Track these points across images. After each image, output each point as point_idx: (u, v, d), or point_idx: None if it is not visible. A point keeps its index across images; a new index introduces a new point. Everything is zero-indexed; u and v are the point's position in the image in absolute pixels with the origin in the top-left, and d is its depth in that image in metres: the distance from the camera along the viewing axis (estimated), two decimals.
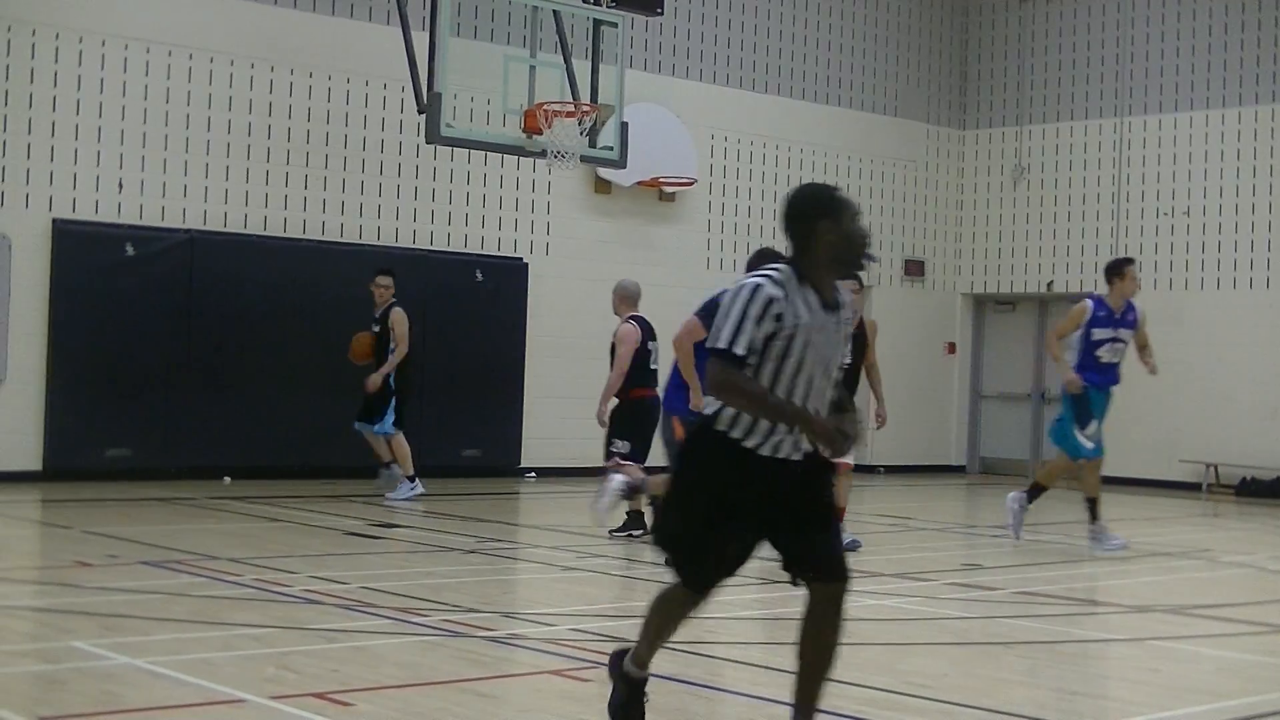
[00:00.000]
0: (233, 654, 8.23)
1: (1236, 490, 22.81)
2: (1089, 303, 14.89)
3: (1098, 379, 14.62)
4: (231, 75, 19.07)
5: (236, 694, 7.23)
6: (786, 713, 7.11)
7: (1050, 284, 25.60)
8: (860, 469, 25.07)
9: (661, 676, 7.99)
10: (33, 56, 17.85)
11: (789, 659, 8.73)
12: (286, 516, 15.26)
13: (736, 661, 8.62)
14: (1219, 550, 15.46)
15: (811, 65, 24.64)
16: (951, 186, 26.53)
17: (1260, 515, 19.90)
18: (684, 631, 9.64)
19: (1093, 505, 14.46)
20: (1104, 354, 14.70)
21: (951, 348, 26.52)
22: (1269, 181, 23.31)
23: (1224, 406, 23.39)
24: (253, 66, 19.19)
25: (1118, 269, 15.12)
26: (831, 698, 7.61)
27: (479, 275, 20.59)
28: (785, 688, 7.77)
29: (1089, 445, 14.48)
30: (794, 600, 11.06)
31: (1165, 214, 24.30)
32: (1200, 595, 12.15)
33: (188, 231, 18.65)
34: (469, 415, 20.42)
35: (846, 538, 14.08)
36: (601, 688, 7.72)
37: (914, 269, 25.88)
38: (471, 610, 9.85)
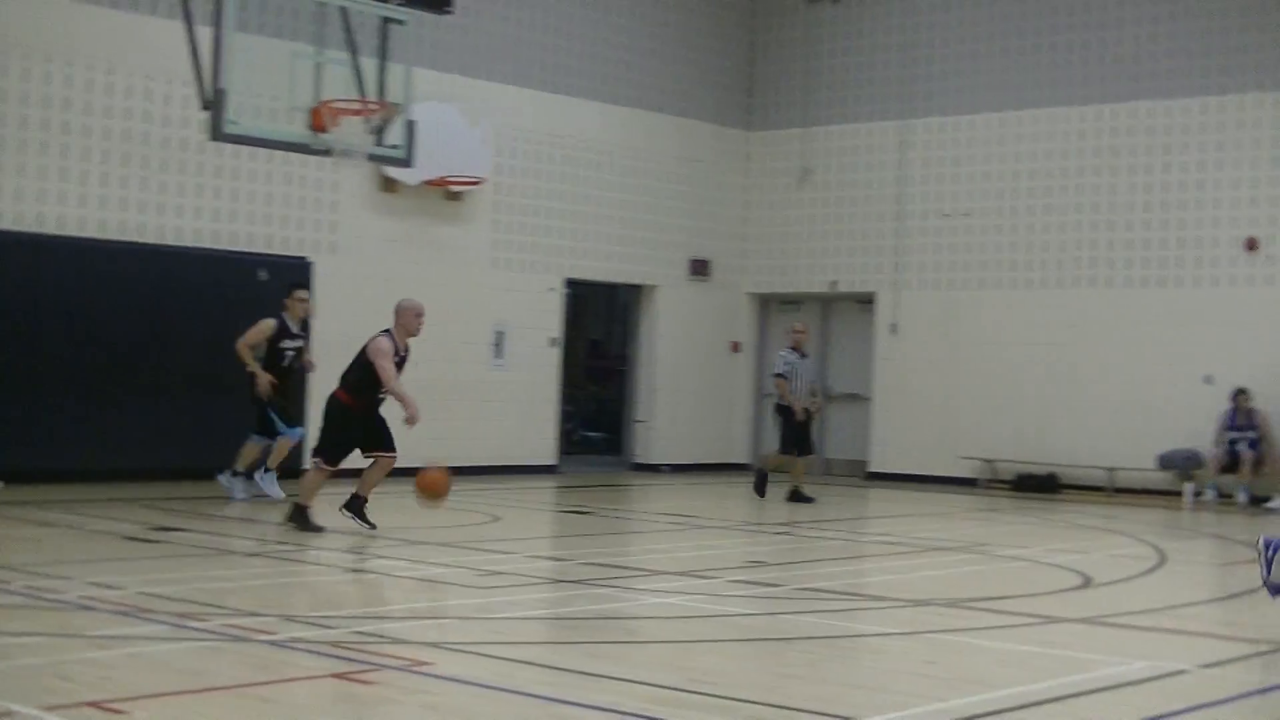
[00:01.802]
0: (2, 664, 8.01)
1: (1013, 485, 23.35)
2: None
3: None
4: (9, 68, 18.56)
5: (6, 705, 7.03)
6: (574, 712, 7.12)
7: (834, 283, 25.98)
8: (644, 468, 25.28)
9: (446, 678, 7.94)
10: None
11: (576, 658, 8.73)
12: (62, 521, 14.90)
13: (522, 662, 8.59)
14: (995, 544, 15.80)
15: (600, 65, 24.69)
16: (737, 187, 26.78)
17: (1035, 510, 20.38)
18: (471, 632, 9.61)
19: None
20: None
21: (736, 347, 26.77)
22: (1045, 183, 23.90)
23: (1002, 404, 23.93)
24: (34, 60, 18.70)
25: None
26: (617, 695, 7.63)
27: (263, 274, 20.30)
28: (573, 687, 7.78)
29: None
30: (580, 600, 11.09)
31: (946, 215, 24.79)
32: (977, 588, 12.40)
33: None
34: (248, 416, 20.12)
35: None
36: (384, 689, 7.65)
37: (699, 268, 26.08)
38: (252, 614, 9.70)
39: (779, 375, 20.12)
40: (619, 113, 24.96)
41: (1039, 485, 23.04)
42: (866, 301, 25.77)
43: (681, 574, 12.46)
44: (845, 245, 25.86)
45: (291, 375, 17.72)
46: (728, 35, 26.72)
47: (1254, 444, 21.71)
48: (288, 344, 17.45)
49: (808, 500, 19.90)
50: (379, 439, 14.67)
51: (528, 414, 23.14)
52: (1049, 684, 8.21)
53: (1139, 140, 23.19)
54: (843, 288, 25.96)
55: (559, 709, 7.31)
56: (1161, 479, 22.45)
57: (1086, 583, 12.70)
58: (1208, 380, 22.28)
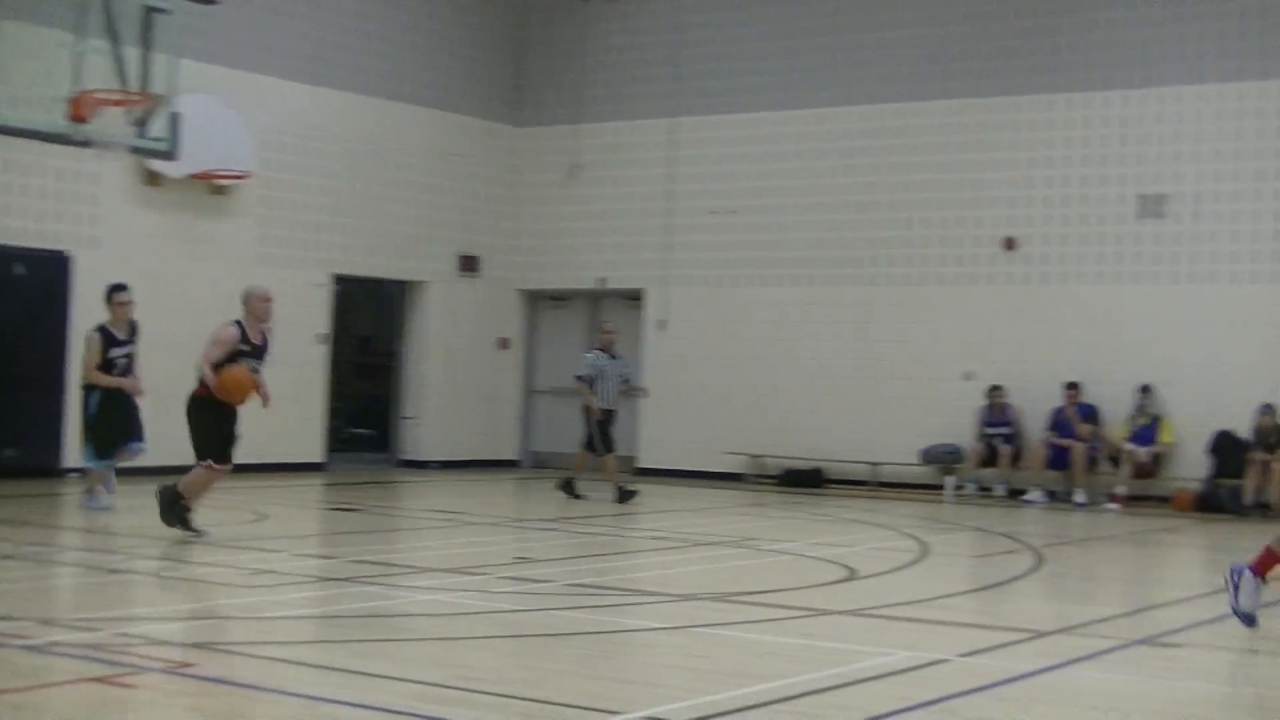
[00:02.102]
0: None
1: (779, 480, 23.67)
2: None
3: None
4: None
5: None
6: (343, 711, 7.06)
7: (604, 280, 26.08)
8: (412, 464, 25.14)
9: (211, 679, 7.82)
10: None
11: (345, 657, 8.65)
12: None
13: (290, 661, 8.49)
14: (762, 539, 15.99)
15: (368, 59, 24.46)
16: (507, 183, 26.74)
17: (801, 504, 20.69)
18: (237, 632, 9.48)
19: None
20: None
21: (505, 343, 26.74)
22: (811, 181, 24.27)
23: (769, 399, 24.25)
24: None
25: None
26: (383, 693, 7.58)
27: (19, 268, 19.76)
28: (342, 686, 7.70)
29: None
30: (348, 598, 10.98)
31: (714, 212, 25.04)
32: (744, 583, 12.54)
33: None
34: (4, 413, 19.61)
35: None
36: (147, 693, 7.51)
37: (468, 265, 25.99)
38: (6, 618, 9.44)
39: (579, 378, 20.18)
40: (387, 107, 24.76)
41: (804, 480, 23.39)
42: (635, 298, 25.92)
43: (450, 571, 12.42)
44: (614, 242, 25.98)
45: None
46: (497, 30, 26.66)
47: (1010, 439, 22.29)
48: (117, 352, 16.10)
49: (577, 496, 19.93)
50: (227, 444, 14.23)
51: (295, 411, 22.83)
52: (815, 675, 8.34)
53: (901, 140, 23.66)
54: (611, 284, 26.08)
55: (327, 708, 7.24)
56: (924, 473, 22.94)
57: (851, 575, 12.92)
58: (968, 376, 22.82)
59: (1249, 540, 17.88)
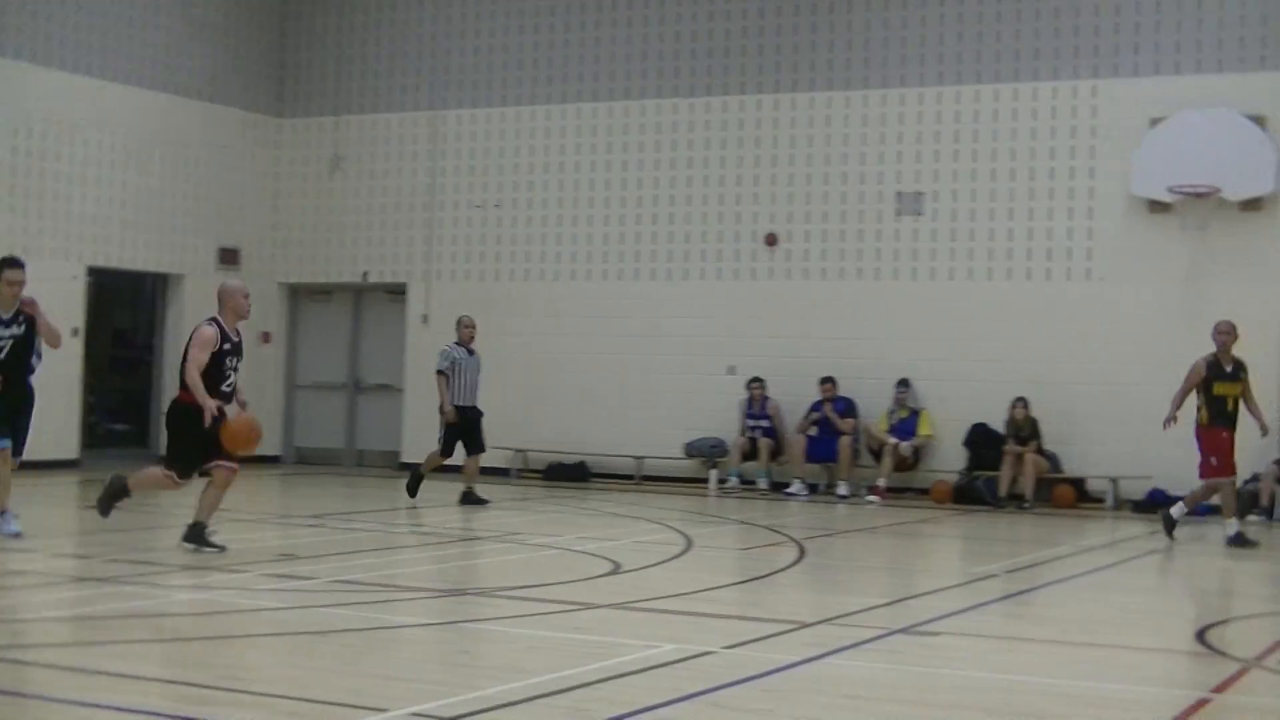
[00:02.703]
0: None
1: (544, 475, 23.70)
2: None
3: None
4: None
5: None
6: (104, 715, 6.89)
7: (366, 274, 25.87)
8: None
9: None
10: None
11: (104, 659, 8.45)
12: None
13: (45, 665, 8.27)
14: (527, 533, 16.00)
15: (125, 47, 23.92)
16: (269, 175, 26.37)
17: (566, 499, 20.74)
18: None
19: None
20: None
21: (266, 337, 26.36)
22: (574, 176, 24.34)
23: (534, 394, 24.25)
24: None
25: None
26: (148, 696, 7.44)
27: None
28: (102, 689, 7.53)
29: None
30: (107, 598, 10.73)
31: (477, 206, 24.98)
32: (509, 577, 12.54)
33: None
34: None
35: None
36: None
37: (228, 257, 25.57)
38: None
39: (439, 372, 19.10)
40: (145, 96, 24.24)
41: (569, 474, 23.45)
42: (398, 292, 25.75)
43: (212, 569, 12.22)
44: (377, 235, 25.78)
45: (13, 371, 14.08)
46: (257, 20, 26.26)
47: (770, 432, 22.59)
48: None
49: (481, 502, 18.89)
50: (218, 446, 13.28)
51: (48, 406, 22.14)
52: (582, 669, 8.36)
53: (664, 136, 23.86)
54: (374, 278, 25.87)
55: (86, 713, 7.07)
56: (688, 467, 23.16)
57: (616, 569, 12.98)
58: (731, 371, 23.09)
59: (1004, 531, 18.43)
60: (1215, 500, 16.97)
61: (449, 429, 19.00)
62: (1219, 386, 16.63)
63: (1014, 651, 9.79)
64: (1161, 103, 21.14)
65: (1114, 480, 20.99)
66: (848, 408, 22.27)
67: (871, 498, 21.50)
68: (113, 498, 13.89)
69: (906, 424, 21.99)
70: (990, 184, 22.06)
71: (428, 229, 25.34)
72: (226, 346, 13.42)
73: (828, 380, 22.28)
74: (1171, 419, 16.71)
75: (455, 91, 25.28)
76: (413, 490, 19.15)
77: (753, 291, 23.18)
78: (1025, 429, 21.20)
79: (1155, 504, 20.34)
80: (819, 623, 10.35)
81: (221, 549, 13.26)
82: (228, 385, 13.41)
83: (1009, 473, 21.04)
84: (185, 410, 13.25)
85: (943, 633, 10.17)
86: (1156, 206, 21.09)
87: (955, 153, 22.29)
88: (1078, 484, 21.29)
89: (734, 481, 22.55)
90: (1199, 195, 20.67)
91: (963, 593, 12.53)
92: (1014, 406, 21.26)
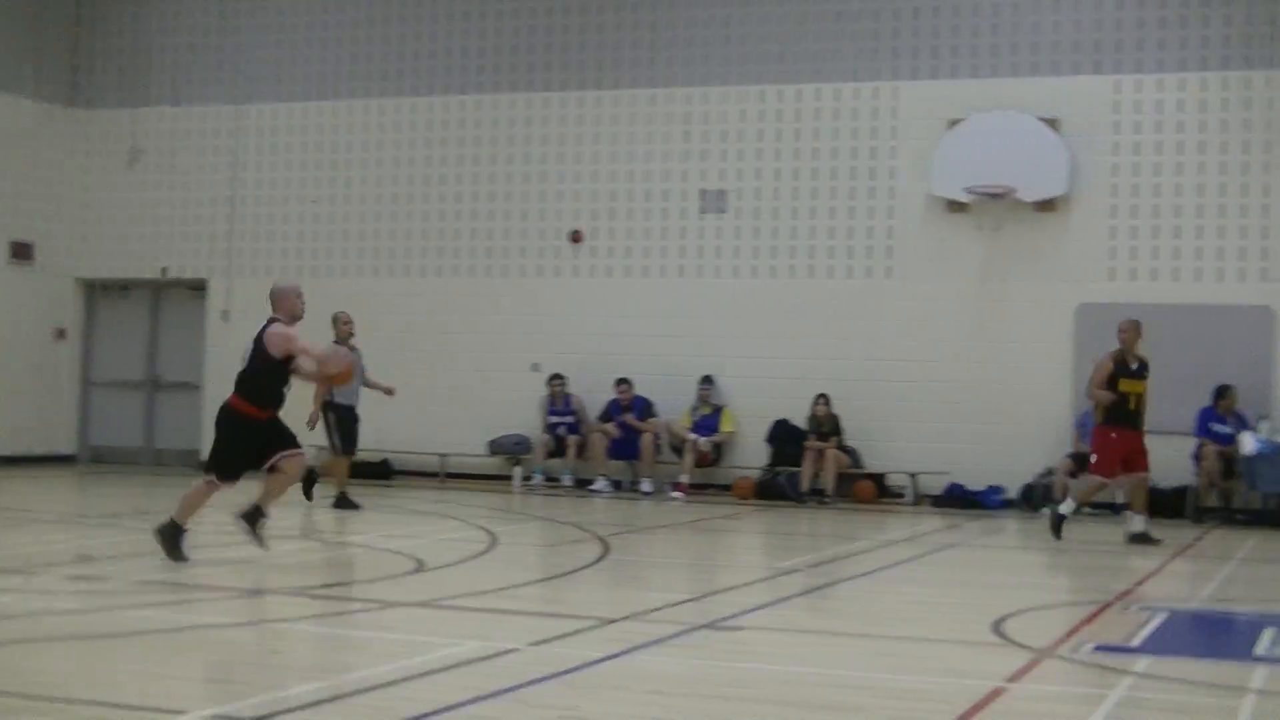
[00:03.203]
0: None
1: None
2: None
3: None
4: None
5: None
6: None
7: (165, 269, 25.44)
8: None
9: None
10: None
11: None
12: None
13: None
14: (330, 531, 15.88)
15: None
16: (65, 167, 25.81)
17: (370, 496, 20.54)
18: None
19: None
20: None
21: (61, 333, 25.80)
22: (377, 172, 24.21)
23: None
24: None
25: None
26: None
27: None
28: None
29: None
30: None
31: (282, 201, 24.70)
32: (312, 576, 12.44)
33: None
34: None
35: None
36: None
37: (21, 251, 24.97)
38: None
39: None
40: None
41: (372, 472, 23.26)
42: (198, 288, 25.36)
43: (7, 571, 11.94)
44: (177, 230, 25.38)
45: None
46: (52, 7, 25.66)
47: (574, 428, 22.65)
48: None
49: (353, 507, 18.24)
50: (283, 437, 12.81)
51: None
52: (387, 668, 8.32)
53: (469, 132, 23.82)
54: (174, 274, 25.46)
55: None
56: (492, 464, 23.12)
57: (420, 567, 12.92)
58: (535, 368, 23.09)
59: (806, 526, 18.68)
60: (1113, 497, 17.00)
61: (344, 423, 18.40)
62: (1124, 384, 16.73)
63: (815, 645, 9.92)
64: (959, 105, 21.58)
65: (913, 475, 21.37)
66: (645, 408, 22.39)
67: (675, 494, 21.66)
68: (173, 542, 12.73)
69: (709, 420, 22.17)
70: (793, 183, 22.34)
71: (229, 224, 25.00)
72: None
73: (623, 381, 22.41)
74: (1093, 417, 17.00)
75: (259, 85, 24.97)
76: (345, 504, 18.27)
77: (557, 288, 23.22)
78: (826, 425, 21.50)
79: (954, 499, 20.81)
80: (623, 619, 10.39)
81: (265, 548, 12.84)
82: (287, 387, 12.93)
83: (810, 468, 21.32)
84: (233, 414, 12.68)
85: (745, 628, 10.28)
86: (954, 206, 21.52)
87: (759, 151, 22.53)
88: (878, 479, 21.63)
89: (538, 479, 22.56)
90: (995, 196, 21.12)
91: (765, 588, 12.68)
92: (816, 403, 21.55)
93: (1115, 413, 16.64)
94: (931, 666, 9.13)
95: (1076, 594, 13.05)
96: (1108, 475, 16.79)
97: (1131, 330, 16.96)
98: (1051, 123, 21.19)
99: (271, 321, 12.86)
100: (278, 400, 12.77)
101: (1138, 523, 16.70)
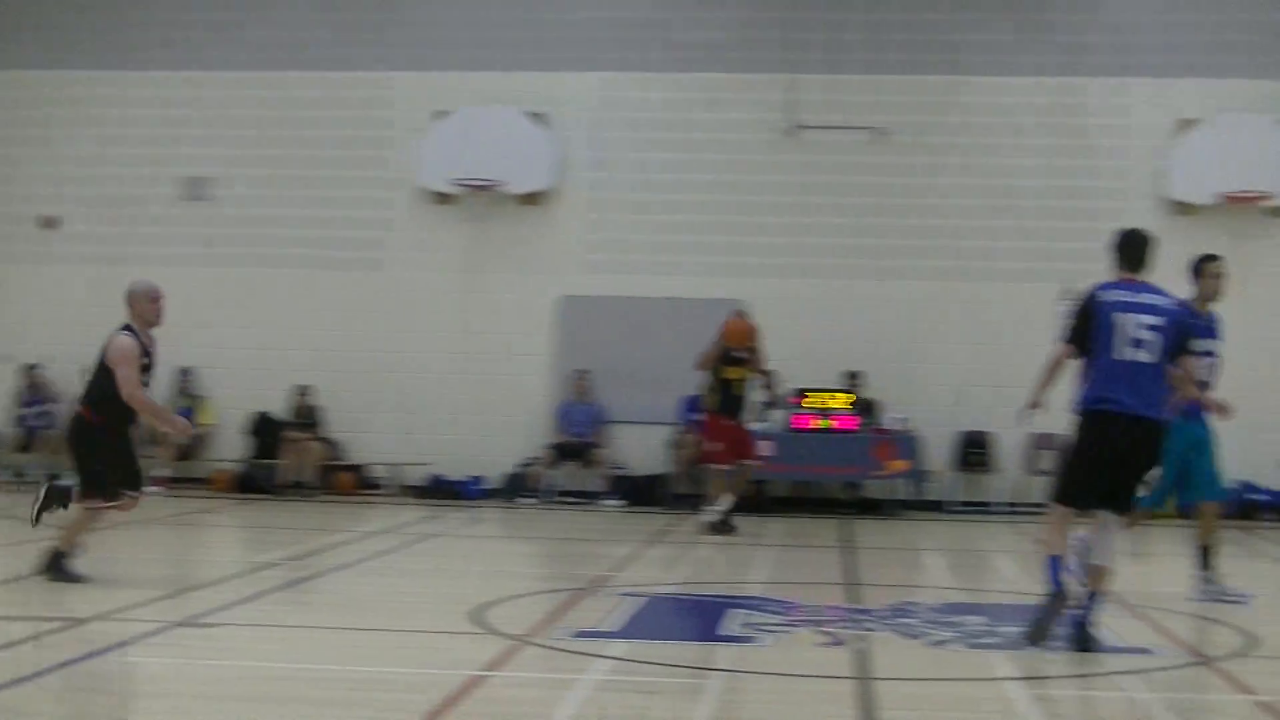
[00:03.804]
0: None
1: None
2: None
3: None
4: None
5: None
6: None
7: None
8: None
9: None
10: None
11: None
12: None
13: None
14: None
15: None
16: None
17: None
18: None
19: None
20: None
21: None
22: None
23: None
24: None
25: None
26: None
27: None
28: None
29: None
30: None
31: None
32: None
33: None
34: None
35: None
36: None
37: None
38: None
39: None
40: None
41: None
42: None
43: None
44: None
45: None
46: None
47: (49, 420, 21.76)
48: None
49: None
50: (130, 473, 11.79)
51: None
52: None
53: None
54: None
55: None
56: None
57: None
58: (5, 359, 22.04)
59: (286, 519, 18.50)
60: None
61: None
62: (725, 370, 17.00)
63: (294, 640, 9.81)
64: (447, 97, 21.66)
65: (395, 466, 21.38)
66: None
67: (153, 488, 21.03)
68: (57, 566, 11.66)
69: (187, 413, 21.62)
70: (283, 171, 22.04)
71: None
72: (145, 360, 11.87)
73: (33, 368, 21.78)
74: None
75: None
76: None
77: (31, 276, 22.20)
78: (306, 416, 21.31)
79: (436, 489, 20.94)
80: (94, 619, 10.02)
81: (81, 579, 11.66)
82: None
83: (292, 460, 21.08)
84: (90, 429, 11.67)
85: (223, 624, 10.08)
86: (441, 198, 21.63)
87: (244, 139, 22.12)
88: (359, 470, 21.54)
89: (6, 474, 21.55)
90: (481, 188, 21.33)
91: (244, 583, 12.45)
92: (297, 394, 21.32)
93: (720, 399, 16.94)
94: (412, 657, 9.14)
95: (556, 581, 13.28)
96: (720, 461, 17.03)
97: (742, 318, 17.32)
98: (539, 117, 21.53)
99: (124, 328, 12.01)
100: (123, 413, 11.78)
101: (719, 510, 16.96)
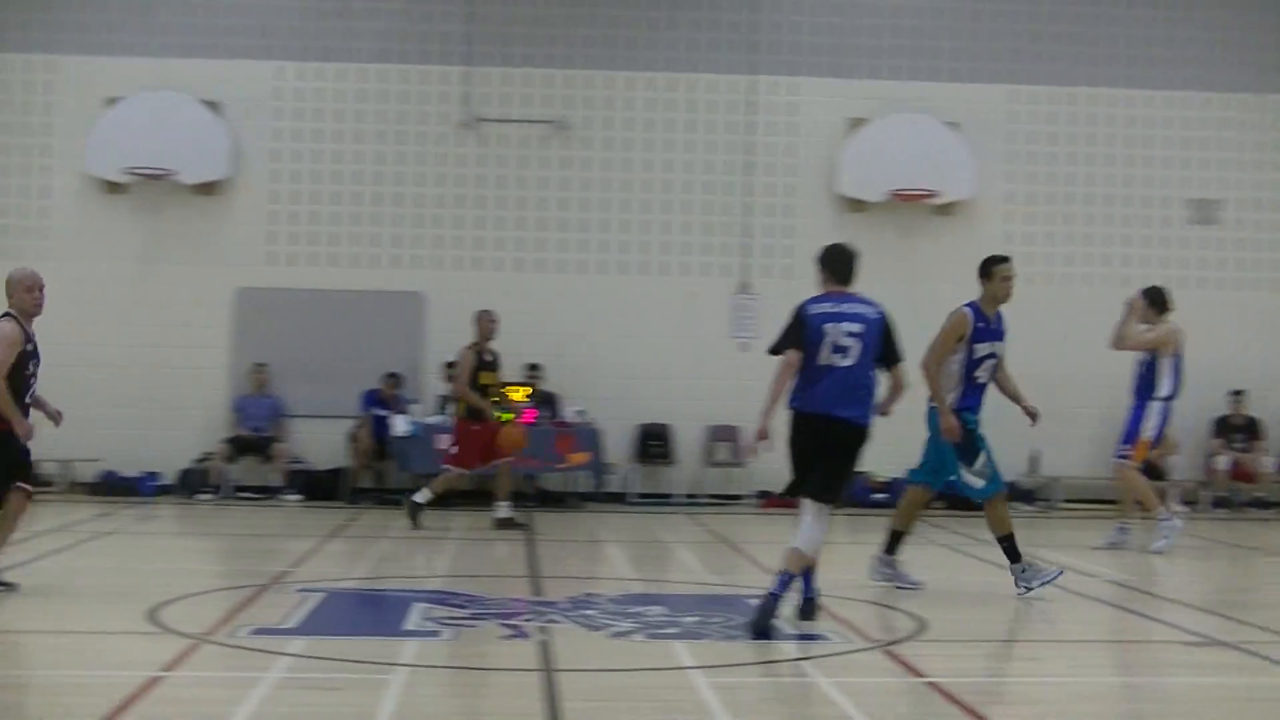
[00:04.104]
0: None
1: None
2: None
3: None
4: None
5: None
6: None
7: None
8: None
9: None
10: None
11: None
12: None
13: None
14: None
15: None
16: None
17: None
18: None
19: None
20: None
21: None
22: None
23: None
24: None
25: None
26: None
27: None
28: None
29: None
30: None
31: None
32: None
33: None
34: None
35: None
36: None
37: None
38: None
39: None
40: None
41: None
42: None
43: None
44: None
45: None
46: None
47: None
48: None
49: None
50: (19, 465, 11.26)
51: None
52: None
53: None
54: None
55: None
56: None
57: None
58: None
59: None
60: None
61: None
62: (484, 376, 16.89)
63: None
64: (117, 83, 21.15)
65: (65, 463, 20.76)
66: None
67: None
68: None
69: None
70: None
71: None
72: (29, 348, 11.29)
73: None
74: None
75: None
76: None
77: None
78: None
79: (108, 486, 20.43)
80: None
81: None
82: (29, 397, 11.22)
83: None
84: None
85: None
86: (112, 187, 21.09)
87: None
88: None
89: None
90: (154, 177, 20.86)
91: None
92: None
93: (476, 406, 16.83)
94: (87, 659, 8.94)
95: (234, 578, 13.06)
96: (469, 466, 16.92)
97: (485, 321, 17.17)
98: (213, 106, 21.15)
99: (4, 315, 11.34)
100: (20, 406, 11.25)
101: (503, 509, 17.00)
